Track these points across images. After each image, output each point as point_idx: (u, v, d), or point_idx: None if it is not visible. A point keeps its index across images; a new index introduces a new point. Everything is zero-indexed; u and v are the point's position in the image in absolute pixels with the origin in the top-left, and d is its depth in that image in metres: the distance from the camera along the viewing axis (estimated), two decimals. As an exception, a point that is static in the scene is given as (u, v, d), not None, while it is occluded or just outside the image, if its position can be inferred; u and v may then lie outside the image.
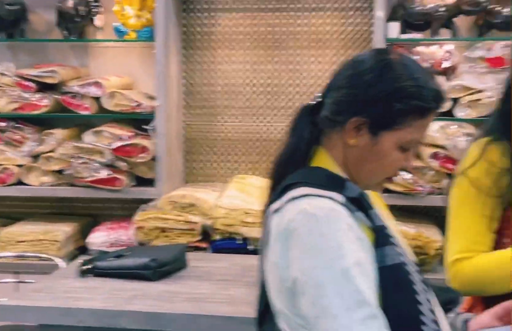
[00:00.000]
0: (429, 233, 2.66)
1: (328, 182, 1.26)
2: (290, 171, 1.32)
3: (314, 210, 1.20)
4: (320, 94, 1.34)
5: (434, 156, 2.70)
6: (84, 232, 3.07)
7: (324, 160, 1.32)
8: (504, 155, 1.56)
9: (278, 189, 1.31)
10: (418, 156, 2.74)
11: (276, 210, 1.28)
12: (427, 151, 2.70)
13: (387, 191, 2.68)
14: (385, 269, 1.21)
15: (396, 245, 1.25)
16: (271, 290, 1.30)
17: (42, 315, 1.88)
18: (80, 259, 2.29)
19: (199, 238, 2.76)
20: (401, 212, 2.94)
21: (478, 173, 1.58)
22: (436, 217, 2.84)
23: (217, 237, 2.74)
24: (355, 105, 1.27)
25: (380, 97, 1.25)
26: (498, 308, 1.34)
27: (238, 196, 2.82)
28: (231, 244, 2.70)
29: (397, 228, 1.39)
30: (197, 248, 2.73)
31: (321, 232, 1.19)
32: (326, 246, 1.18)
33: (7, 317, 1.89)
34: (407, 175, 2.68)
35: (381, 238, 1.23)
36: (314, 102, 1.34)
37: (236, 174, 3.15)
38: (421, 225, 2.77)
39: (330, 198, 1.23)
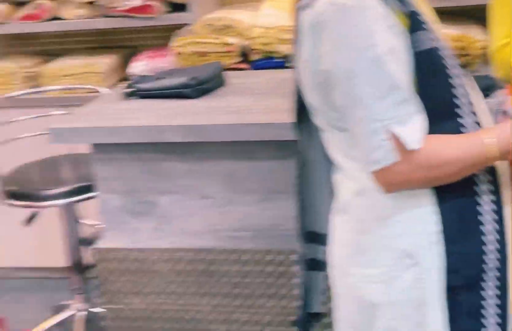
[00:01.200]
0: (472, 33, 2.59)
1: (358, -30, 1.22)
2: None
3: (344, 1, 1.18)
4: None
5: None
6: (125, 63, 3.09)
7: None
8: None
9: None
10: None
11: (306, 5, 1.27)
12: None
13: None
14: (418, 54, 1.20)
15: (429, 31, 1.23)
16: (306, 88, 1.32)
17: (91, 135, 1.96)
18: (123, 85, 2.35)
19: (238, 59, 2.75)
20: (445, 15, 2.83)
21: None
22: (479, 17, 2.74)
23: (256, 57, 2.73)
24: None
25: None
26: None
27: (274, 14, 2.77)
28: (270, 63, 2.68)
29: (431, 14, 1.35)
30: (237, 70, 2.74)
31: (352, 22, 1.17)
32: (357, 35, 1.16)
33: (60, 139, 1.99)
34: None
35: (414, 24, 1.20)
36: None
37: (270, -9, 3.06)
38: (465, 26, 2.68)
39: (361, -14, 1.20)
